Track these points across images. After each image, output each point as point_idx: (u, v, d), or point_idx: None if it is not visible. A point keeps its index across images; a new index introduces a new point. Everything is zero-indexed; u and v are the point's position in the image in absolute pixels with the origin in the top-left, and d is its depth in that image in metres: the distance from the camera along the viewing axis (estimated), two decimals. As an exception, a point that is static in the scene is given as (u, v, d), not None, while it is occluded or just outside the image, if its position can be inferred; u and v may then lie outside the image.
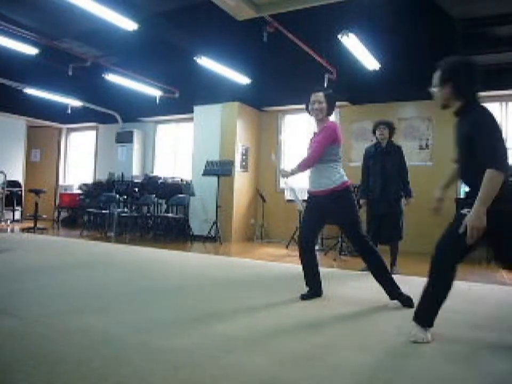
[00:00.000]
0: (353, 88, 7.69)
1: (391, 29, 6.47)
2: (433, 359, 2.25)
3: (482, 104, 2.48)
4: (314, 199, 3.54)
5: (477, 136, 2.36)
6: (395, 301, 3.34)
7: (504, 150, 2.36)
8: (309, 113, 3.56)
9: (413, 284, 4.18)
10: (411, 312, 2.69)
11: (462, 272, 5.34)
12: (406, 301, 3.29)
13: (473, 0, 5.78)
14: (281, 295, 3.66)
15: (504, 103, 7.26)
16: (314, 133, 3.59)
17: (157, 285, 3.95)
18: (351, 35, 5.65)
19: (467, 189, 2.62)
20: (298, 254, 3.59)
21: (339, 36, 5.66)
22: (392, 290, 3.37)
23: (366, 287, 4.13)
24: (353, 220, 3.39)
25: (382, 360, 2.23)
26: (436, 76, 2.60)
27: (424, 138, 7.49)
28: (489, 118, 2.39)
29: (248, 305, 3.30)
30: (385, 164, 4.98)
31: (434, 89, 2.64)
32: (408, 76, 7.02)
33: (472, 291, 4.16)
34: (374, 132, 5.15)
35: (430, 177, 7.27)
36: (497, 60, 6.56)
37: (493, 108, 7.27)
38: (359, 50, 6.14)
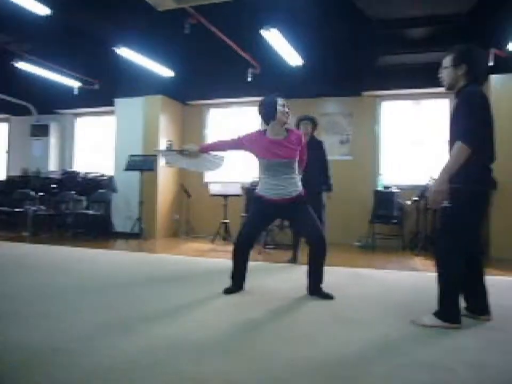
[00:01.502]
0: (277, 83, 7.75)
1: (314, 26, 6.60)
2: (343, 343, 2.32)
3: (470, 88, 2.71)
4: (272, 205, 3.50)
5: (458, 114, 2.64)
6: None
7: (478, 130, 2.58)
8: (270, 117, 3.49)
9: (336, 274, 4.33)
10: (330, 302, 2.77)
11: (380, 261, 5.62)
12: (325, 297, 3.41)
13: (388, 3, 6.05)
14: (206, 290, 3.62)
15: (417, 101, 7.67)
16: (264, 131, 3.60)
17: (75, 286, 3.76)
18: (274, 30, 5.70)
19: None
20: (233, 249, 3.55)
21: (262, 31, 5.70)
22: (315, 287, 3.47)
23: (290, 279, 4.21)
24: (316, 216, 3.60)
25: (301, 350, 2.27)
26: (449, 58, 2.82)
27: (345, 133, 7.75)
28: (474, 97, 2.64)
29: (172, 302, 3.23)
30: (307, 158, 5.07)
31: (445, 69, 2.84)
32: (330, 73, 7.23)
33: (388, 278, 4.37)
34: (297, 127, 5.23)
35: (349, 171, 7.56)
36: (412, 60, 6.93)
37: (407, 105, 7.69)
38: (282, 46, 6.22)
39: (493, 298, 2.90)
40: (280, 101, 3.51)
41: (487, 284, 2.86)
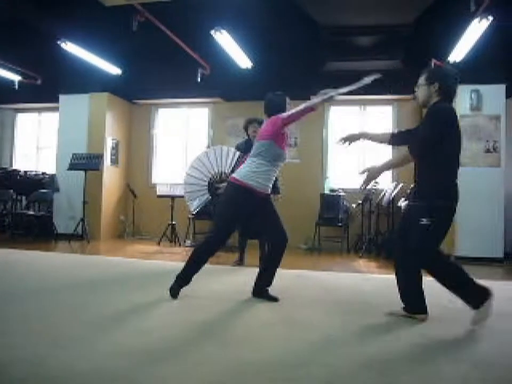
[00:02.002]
0: (226, 85, 7.77)
1: (264, 30, 6.66)
2: (290, 343, 2.35)
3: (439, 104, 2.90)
4: (256, 198, 3.36)
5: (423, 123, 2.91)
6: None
7: (430, 142, 2.80)
8: (279, 111, 3.42)
9: (281, 277, 4.34)
10: (274, 304, 2.77)
11: (325, 263, 5.72)
12: (270, 299, 3.41)
13: (337, 10, 6.18)
14: (150, 293, 3.55)
15: (363, 106, 7.89)
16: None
17: (6, 291, 3.55)
18: (224, 32, 5.69)
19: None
20: (208, 249, 3.40)
21: (212, 32, 5.67)
22: (263, 289, 3.47)
23: (236, 281, 4.20)
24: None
25: (244, 353, 2.27)
26: (423, 76, 3.00)
27: (293, 136, 7.84)
28: (440, 113, 2.84)
29: (114, 307, 3.14)
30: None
31: (420, 87, 3.01)
32: (279, 76, 7.29)
33: (332, 279, 4.45)
34: (245, 129, 5.23)
35: (297, 174, 7.66)
36: (359, 67, 7.10)
37: (353, 110, 7.88)
38: (232, 47, 6.21)
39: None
40: (288, 100, 3.54)
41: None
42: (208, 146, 8.19)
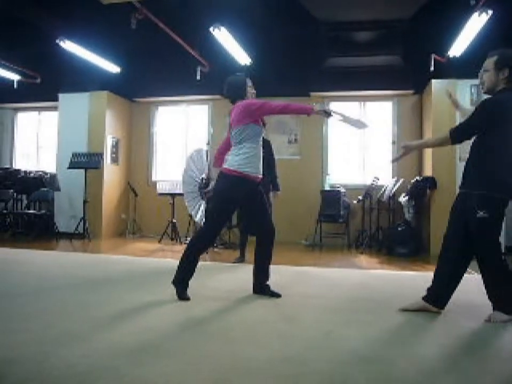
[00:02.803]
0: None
1: (262, 26, 6.65)
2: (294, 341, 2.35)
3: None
4: (250, 185, 3.31)
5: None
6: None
7: (471, 130, 2.78)
8: (239, 96, 3.41)
9: (282, 273, 4.35)
10: (275, 301, 2.77)
11: (326, 259, 5.72)
12: (272, 295, 3.40)
13: (335, 6, 6.17)
14: (151, 291, 3.55)
15: (362, 103, 7.87)
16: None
17: (8, 291, 3.55)
18: (223, 29, 5.68)
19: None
20: (200, 247, 3.35)
21: (211, 29, 5.66)
22: (262, 284, 3.46)
23: (237, 278, 4.21)
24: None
25: (245, 350, 2.27)
26: (492, 61, 2.77)
27: (293, 133, 7.84)
28: (488, 102, 2.74)
29: (114, 304, 3.14)
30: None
31: (487, 72, 2.81)
32: (278, 73, 7.28)
33: (333, 276, 4.45)
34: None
35: (297, 170, 7.66)
36: (358, 63, 7.10)
37: (353, 106, 7.87)
38: (230, 44, 6.20)
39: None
40: (249, 82, 3.48)
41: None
42: (208, 143, 8.20)
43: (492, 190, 2.70)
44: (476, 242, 2.78)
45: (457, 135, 2.80)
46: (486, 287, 2.84)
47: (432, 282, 2.95)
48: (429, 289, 2.96)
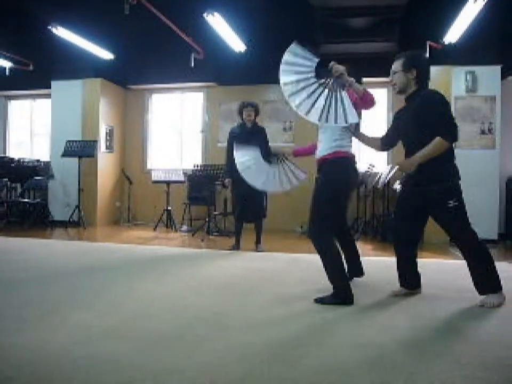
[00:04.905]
0: (220, 69, 7.72)
1: (257, 12, 6.59)
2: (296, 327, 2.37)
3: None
4: None
5: (434, 111, 2.79)
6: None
7: (455, 125, 2.81)
8: None
9: (280, 260, 4.36)
10: (269, 287, 2.78)
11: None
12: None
13: (330, -9, 6.11)
14: (146, 278, 3.57)
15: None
16: None
17: (5, 278, 3.57)
18: (216, 14, 5.62)
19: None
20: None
21: (205, 15, 5.60)
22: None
23: (232, 266, 4.22)
24: None
25: (240, 335, 2.28)
26: (399, 63, 2.94)
27: (288, 120, 7.81)
28: (442, 97, 2.84)
29: (110, 292, 3.15)
30: (249, 144, 5.07)
31: (396, 74, 2.96)
32: (273, 60, 7.19)
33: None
34: (240, 113, 5.21)
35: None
36: (354, 49, 7.05)
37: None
38: (225, 31, 6.15)
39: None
40: None
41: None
42: (203, 131, 8.17)
43: (453, 178, 2.84)
44: (454, 231, 2.88)
45: (453, 133, 2.80)
46: (471, 273, 2.88)
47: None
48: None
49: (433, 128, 2.77)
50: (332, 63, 2.94)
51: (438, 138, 2.75)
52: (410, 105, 2.96)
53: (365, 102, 2.92)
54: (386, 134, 3.22)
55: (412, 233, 3.06)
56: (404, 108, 3.06)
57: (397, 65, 2.96)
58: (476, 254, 2.85)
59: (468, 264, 2.88)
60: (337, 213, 3.11)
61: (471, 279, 2.90)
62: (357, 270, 3.51)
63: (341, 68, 2.88)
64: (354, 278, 3.48)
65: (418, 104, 2.87)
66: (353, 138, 3.17)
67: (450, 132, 2.78)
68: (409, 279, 3.12)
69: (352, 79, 2.89)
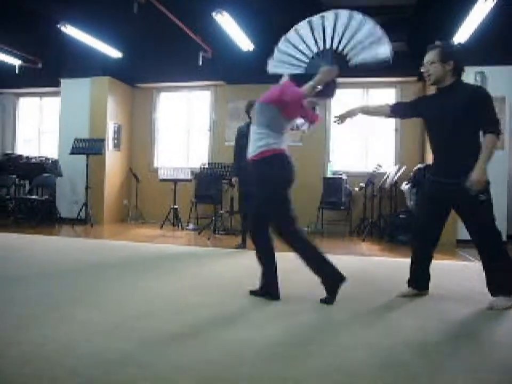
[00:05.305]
0: (228, 68, 7.71)
1: (266, 11, 6.57)
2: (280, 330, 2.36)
3: None
4: None
5: (483, 106, 2.77)
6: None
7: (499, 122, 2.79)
8: None
9: (287, 260, 4.35)
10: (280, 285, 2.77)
11: (328, 246, 5.73)
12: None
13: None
14: (151, 276, 3.57)
15: (365, 89, 7.82)
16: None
17: (11, 275, 3.58)
18: (225, 14, 5.62)
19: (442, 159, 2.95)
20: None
21: (213, 14, 5.60)
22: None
23: (237, 264, 4.22)
24: None
25: (241, 334, 2.28)
26: (435, 53, 2.88)
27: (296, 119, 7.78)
28: (488, 93, 2.84)
29: (115, 290, 3.16)
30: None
31: (432, 64, 2.89)
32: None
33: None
34: (247, 112, 5.20)
35: (299, 157, 7.59)
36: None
37: (356, 93, 7.82)
38: (233, 30, 6.14)
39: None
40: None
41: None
42: (210, 130, 8.18)
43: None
44: (480, 226, 2.84)
45: (499, 130, 2.78)
46: (486, 272, 2.86)
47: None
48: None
49: (478, 122, 2.79)
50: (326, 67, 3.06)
51: (491, 137, 2.74)
52: (449, 96, 2.88)
53: (311, 118, 3.24)
54: (398, 103, 3.28)
55: (434, 231, 3.03)
56: (436, 97, 2.99)
57: (432, 56, 2.89)
58: (495, 253, 2.82)
59: (484, 263, 2.86)
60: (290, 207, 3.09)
61: (483, 279, 2.87)
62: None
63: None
64: (361, 279, 3.46)
65: (469, 96, 2.81)
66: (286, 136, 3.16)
67: (498, 128, 2.77)
68: (420, 280, 3.10)
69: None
